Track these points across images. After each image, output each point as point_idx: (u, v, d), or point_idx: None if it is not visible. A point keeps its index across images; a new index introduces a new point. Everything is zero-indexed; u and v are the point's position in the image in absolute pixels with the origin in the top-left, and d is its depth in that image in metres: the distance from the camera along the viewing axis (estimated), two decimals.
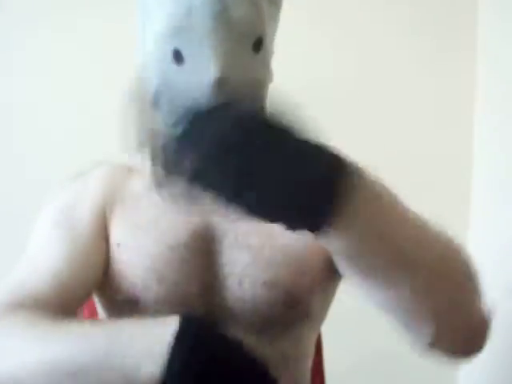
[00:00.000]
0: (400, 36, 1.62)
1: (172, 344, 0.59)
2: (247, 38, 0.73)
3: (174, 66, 0.74)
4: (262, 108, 0.78)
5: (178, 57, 0.73)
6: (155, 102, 0.78)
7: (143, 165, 0.86)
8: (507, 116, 1.48)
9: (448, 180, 1.65)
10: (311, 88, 1.53)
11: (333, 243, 0.61)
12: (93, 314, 1.00)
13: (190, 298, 0.80)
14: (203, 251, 0.81)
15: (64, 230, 0.81)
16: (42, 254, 0.79)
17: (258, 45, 0.75)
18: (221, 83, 0.70)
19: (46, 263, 0.77)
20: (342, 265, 0.67)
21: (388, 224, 0.62)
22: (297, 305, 0.82)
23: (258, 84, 0.77)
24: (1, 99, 1.54)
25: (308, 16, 1.55)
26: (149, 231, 0.82)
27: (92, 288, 0.82)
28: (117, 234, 0.83)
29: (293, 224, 0.58)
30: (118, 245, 0.82)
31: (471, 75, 1.62)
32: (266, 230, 0.80)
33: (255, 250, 0.81)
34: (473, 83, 1.62)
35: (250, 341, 0.78)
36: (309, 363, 0.91)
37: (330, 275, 0.84)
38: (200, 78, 0.71)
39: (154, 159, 0.76)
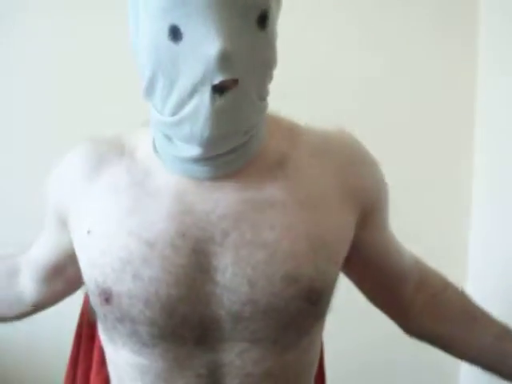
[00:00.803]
0: (400, 35, 1.62)
1: None
2: (251, 10, 0.68)
3: (171, 45, 0.68)
4: (266, 92, 0.75)
5: (175, 33, 0.67)
6: (149, 90, 0.73)
7: (135, 148, 0.81)
8: (508, 116, 1.48)
9: (449, 181, 1.65)
10: (311, 86, 1.53)
11: None
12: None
13: (171, 301, 0.74)
14: (193, 251, 0.75)
15: (45, 217, 0.89)
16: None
17: (263, 21, 0.69)
18: (226, 57, 0.65)
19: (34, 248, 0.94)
20: None
21: None
22: (320, 300, 0.77)
23: (264, 64, 0.72)
24: (1, 99, 1.54)
25: (307, 12, 1.55)
26: (122, 222, 0.76)
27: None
28: (87, 221, 0.79)
29: None
30: (89, 232, 0.78)
31: (472, 74, 1.62)
32: (281, 222, 0.75)
33: (271, 246, 0.74)
34: (473, 82, 1.62)
35: (256, 355, 0.76)
36: (314, 372, 0.87)
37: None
38: (202, 53, 0.66)
39: None
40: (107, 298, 0.75)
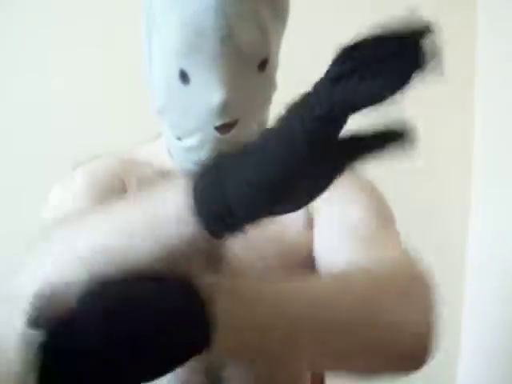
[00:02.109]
0: None
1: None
2: (253, 60, 0.74)
3: (180, 85, 0.75)
4: (267, 118, 0.80)
5: (184, 77, 0.74)
6: (161, 114, 0.79)
7: (145, 162, 0.85)
8: (508, 116, 1.48)
9: (448, 178, 1.65)
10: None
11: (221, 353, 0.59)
12: None
13: None
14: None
15: None
16: None
17: (263, 65, 0.76)
18: (227, 105, 0.73)
19: None
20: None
21: (266, 315, 0.58)
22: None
23: (263, 101, 0.79)
24: (1, 99, 1.54)
25: (305, 11, 1.55)
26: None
27: None
28: None
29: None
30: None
31: (472, 74, 1.62)
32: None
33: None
34: (472, 82, 1.62)
35: None
36: (308, 373, 0.88)
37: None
38: (206, 100, 0.73)
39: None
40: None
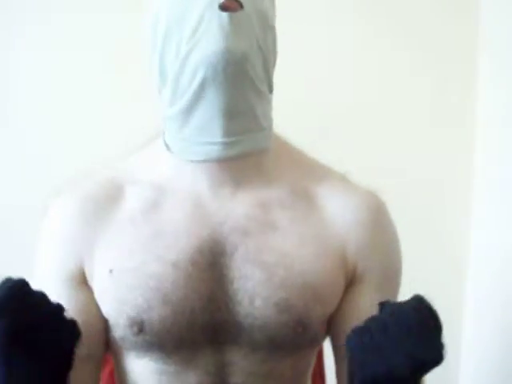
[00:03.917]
0: (400, 35, 1.61)
1: None
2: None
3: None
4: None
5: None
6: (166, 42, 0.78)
7: (139, 170, 0.84)
8: (509, 116, 1.48)
9: (449, 182, 1.65)
10: (309, 88, 1.53)
11: None
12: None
13: (196, 314, 0.78)
14: (210, 265, 0.79)
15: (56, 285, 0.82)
16: None
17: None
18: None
19: None
20: None
21: None
22: (306, 332, 0.80)
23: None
24: (1, 99, 1.54)
25: (302, 14, 1.55)
26: (148, 249, 0.78)
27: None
28: (106, 261, 0.80)
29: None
30: (111, 271, 0.79)
31: (472, 73, 1.61)
32: (280, 247, 0.79)
33: (269, 268, 0.78)
34: (474, 83, 1.62)
35: (258, 358, 0.80)
36: (310, 372, 0.90)
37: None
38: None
39: None
40: (140, 328, 0.77)
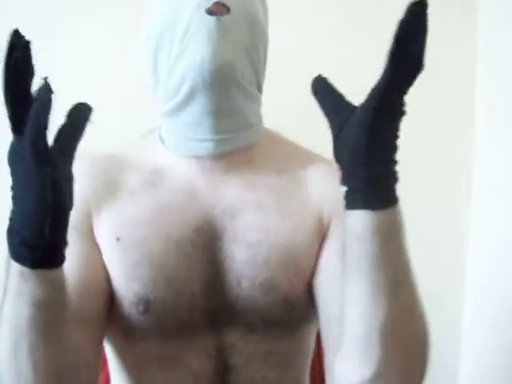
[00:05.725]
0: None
1: None
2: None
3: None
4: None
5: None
6: (159, 47, 0.80)
7: (138, 156, 0.86)
8: (508, 116, 1.49)
9: (448, 182, 1.65)
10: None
11: (374, 220, 0.67)
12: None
13: (195, 297, 0.79)
14: (205, 247, 0.80)
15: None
16: None
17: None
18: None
19: None
20: (351, 250, 0.68)
21: (403, 247, 0.69)
22: (295, 309, 0.81)
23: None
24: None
25: (300, 10, 1.55)
26: (152, 225, 0.80)
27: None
28: (114, 229, 0.80)
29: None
30: (118, 239, 0.79)
31: (472, 73, 1.62)
32: (264, 226, 0.81)
33: (253, 248, 0.80)
34: (473, 83, 1.63)
35: (255, 339, 0.81)
36: (309, 361, 0.91)
37: None
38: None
39: None
40: (146, 307, 0.77)
